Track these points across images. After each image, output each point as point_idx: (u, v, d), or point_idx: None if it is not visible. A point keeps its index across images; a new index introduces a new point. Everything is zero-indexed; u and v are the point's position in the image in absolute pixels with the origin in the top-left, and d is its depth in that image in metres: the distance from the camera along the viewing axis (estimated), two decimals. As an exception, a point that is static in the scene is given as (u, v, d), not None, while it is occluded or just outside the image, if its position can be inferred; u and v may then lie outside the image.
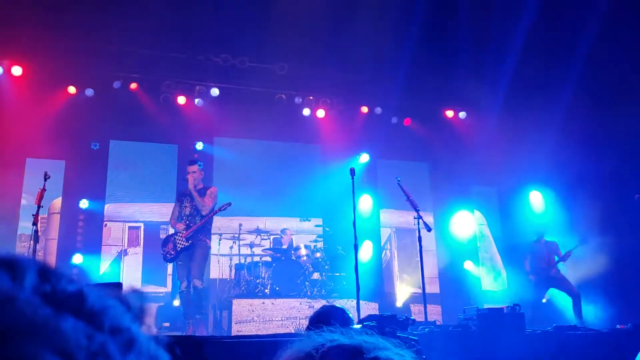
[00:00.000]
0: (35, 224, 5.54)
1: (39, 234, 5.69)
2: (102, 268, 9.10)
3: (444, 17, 8.54)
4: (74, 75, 9.01)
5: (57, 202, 9.01)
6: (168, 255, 6.87)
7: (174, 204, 7.33)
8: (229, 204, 7.01)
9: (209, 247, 7.11)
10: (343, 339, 0.91)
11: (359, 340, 0.90)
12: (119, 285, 3.03)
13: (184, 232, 6.80)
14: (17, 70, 8.75)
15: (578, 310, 8.17)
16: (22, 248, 8.58)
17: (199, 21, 8.43)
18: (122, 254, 9.26)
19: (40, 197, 5.55)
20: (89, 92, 9.14)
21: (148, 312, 0.54)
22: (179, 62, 9.45)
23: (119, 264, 9.16)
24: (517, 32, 8.64)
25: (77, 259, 8.75)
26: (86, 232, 9.11)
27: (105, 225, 9.29)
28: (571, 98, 9.48)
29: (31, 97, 8.76)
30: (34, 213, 5.54)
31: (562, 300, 9.01)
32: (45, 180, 5.56)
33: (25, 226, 8.64)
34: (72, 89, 9.09)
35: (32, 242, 5.44)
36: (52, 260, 8.82)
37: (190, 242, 6.81)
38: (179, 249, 6.80)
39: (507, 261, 10.84)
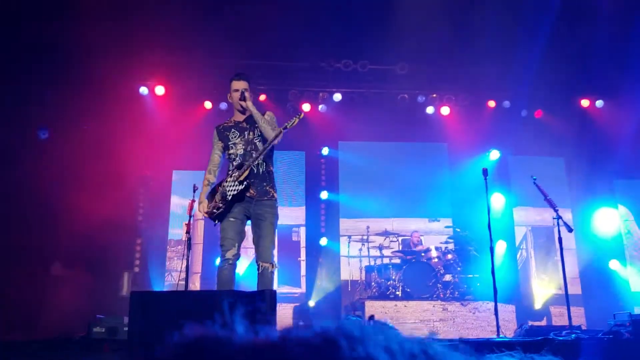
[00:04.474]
0: (188, 232, 6.08)
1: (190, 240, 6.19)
2: (242, 269, 9.68)
3: (581, 3, 8.01)
4: (209, 91, 9.68)
5: (201, 210, 9.73)
6: (215, 210, 4.52)
7: (212, 150, 4.86)
8: (300, 116, 4.88)
9: (277, 202, 4.67)
10: None
11: None
12: (273, 294, 3.16)
13: (237, 173, 4.53)
14: (160, 90, 9.58)
15: None
16: (172, 252, 9.42)
17: (319, 30, 8.67)
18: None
19: (191, 208, 6.08)
20: (223, 105, 9.76)
21: None
22: (303, 71, 9.78)
23: (258, 266, 9.68)
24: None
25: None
26: (227, 236, 9.74)
27: (244, 229, 9.85)
28: None
29: (173, 113, 9.57)
30: (186, 222, 6.08)
31: None
32: (194, 192, 6.05)
33: (174, 232, 9.47)
34: (208, 104, 9.78)
35: (185, 249, 5.95)
36: (198, 262, 9.57)
37: (244, 184, 4.48)
38: (229, 197, 4.47)
39: (659, 260, 9.93)
